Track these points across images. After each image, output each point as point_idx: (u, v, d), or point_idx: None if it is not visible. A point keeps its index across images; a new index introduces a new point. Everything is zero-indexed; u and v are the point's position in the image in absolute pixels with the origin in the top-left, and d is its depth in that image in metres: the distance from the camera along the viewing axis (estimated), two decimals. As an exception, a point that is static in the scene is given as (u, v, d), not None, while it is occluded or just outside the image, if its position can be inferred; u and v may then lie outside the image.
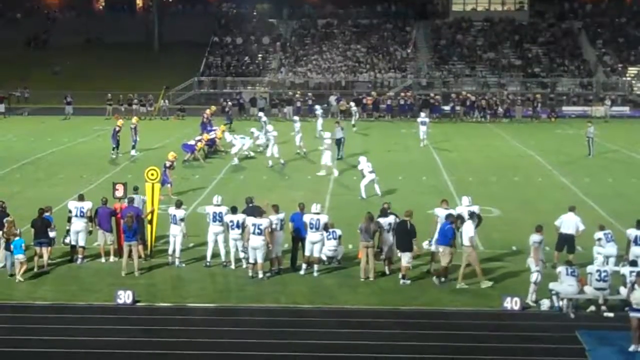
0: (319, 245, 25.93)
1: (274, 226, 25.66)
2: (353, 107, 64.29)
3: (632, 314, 19.96)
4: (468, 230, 25.04)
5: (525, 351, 20.02)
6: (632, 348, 19.82)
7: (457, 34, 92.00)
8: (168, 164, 37.45)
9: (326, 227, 26.08)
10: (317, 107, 62.50)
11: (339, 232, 26.72)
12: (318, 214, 26.07)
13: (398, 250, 25.72)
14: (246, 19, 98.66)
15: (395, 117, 69.72)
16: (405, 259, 25.31)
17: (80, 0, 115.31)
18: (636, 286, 20.08)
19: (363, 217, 25.93)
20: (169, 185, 36.58)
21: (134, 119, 52.48)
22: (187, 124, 62.20)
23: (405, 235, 25.42)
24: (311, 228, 25.85)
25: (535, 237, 24.17)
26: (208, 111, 55.77)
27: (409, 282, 25.25)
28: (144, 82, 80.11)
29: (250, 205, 27.17)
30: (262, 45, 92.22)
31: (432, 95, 73.26)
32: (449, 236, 25.03)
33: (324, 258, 26.45)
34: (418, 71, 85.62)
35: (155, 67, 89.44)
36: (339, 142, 47.51)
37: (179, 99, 79.12)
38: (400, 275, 25.33)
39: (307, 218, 26.00)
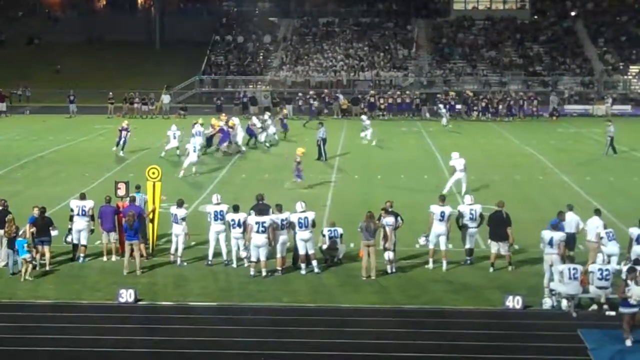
0: (311, 243, 25.96)
1: (277, 225, 25.69)
2: (442, 109, 63.40)
3: (627, 310, 20.16)
4: (597, 224, 25.40)
5: (527, 350, 20.00)
6: (628, 342, 20.02)
7: (459, 33, 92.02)
8: (298, 159, 38.80)
9: (314, 224, 26.13)
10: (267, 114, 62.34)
11: (340, 230, 26.78)
12: (304, 211, 26.10)
13: (491, 241, 26.20)
14: (247, 17, 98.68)
15: (396, 116, 69.69)
16: (503, 248, 25.95)
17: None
18: (631, 282, 20.18)
19: (364, 216, 25.96)
20: (299, 179, 38.50)
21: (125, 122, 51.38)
22: (189, 123, 62.01)
23: (501, 225, 25.97)
24: (300, 226, 25.86)
25: (561, 236, 24.36)
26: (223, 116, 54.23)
27: (512, 267, 26.11)
28: (145, 81, 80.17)
29: (261, 202, 27.29)
30: (264, 43, 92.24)
31: (452, 94, 72.55)
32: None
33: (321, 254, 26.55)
34: (419, 70, 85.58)
35: (156, 66, 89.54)
36: (321, 143, 47.40)
37: (180, 98, 79.04)
38: (499, 264, 26.21)
39: (294, 217, 26.01)
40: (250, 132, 51.67)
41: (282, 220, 25.92)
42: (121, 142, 48.28)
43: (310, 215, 26.14)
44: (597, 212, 26.19)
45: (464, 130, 60.79)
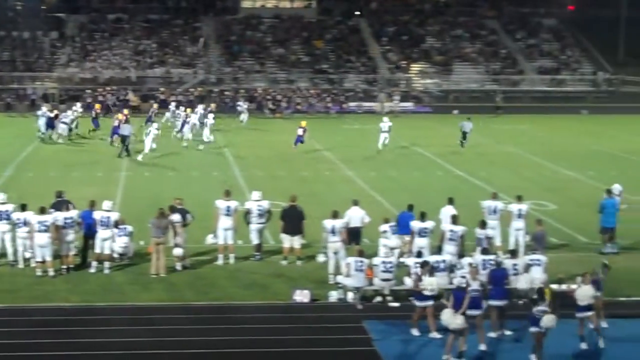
0: (110, 242, 25.80)
1: (60, 223, 25.32)
2: (243, 105, 63.99)
3: (420, 303, 21.02)
4: (452, 212, 26.30)
5: (314, 342, 20.54)
6: (415, 332, 20.99)
7: (247, 30, 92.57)
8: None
9: (117, 224, 25.99)
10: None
11: (130, 228, 26.65)
12: (109, 211, 25.97)
13: (286, 235, 26.69)
14: (34, 13, 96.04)
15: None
16: (297, 242, 26.61)
17: None
18: (424, 275, 21.07)
19: (155, 213, 26.03)
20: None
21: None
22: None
23: (296, 219, 26.66)
24: (102, 225, 25.70)
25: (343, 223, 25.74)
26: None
27: (300, 263, 26.75)
28: None
29: (59, 199, 26.97)
30: (51, 39, 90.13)
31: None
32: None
33: (115, 255, 26.31)
34: (209, 67, 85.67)
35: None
36: (125, 139, 47.30)
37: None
38: (289, 258, 26.95)
39: (97, 215, 25.82)
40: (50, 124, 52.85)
41: (66, 218, 25.55)
42: None
43: (114, 215, 26.09)
44: (451, 201, 27.53)
45: (253, 127, 61.36)
